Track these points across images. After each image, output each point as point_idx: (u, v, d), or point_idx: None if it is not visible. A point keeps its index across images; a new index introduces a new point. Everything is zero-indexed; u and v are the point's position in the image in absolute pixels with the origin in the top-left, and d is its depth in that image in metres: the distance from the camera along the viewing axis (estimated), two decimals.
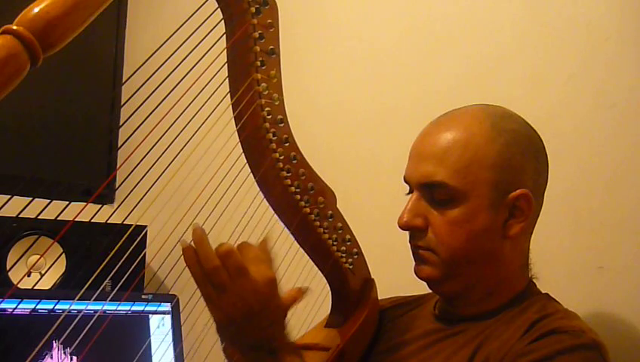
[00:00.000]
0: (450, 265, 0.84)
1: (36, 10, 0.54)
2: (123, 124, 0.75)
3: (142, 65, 0.71)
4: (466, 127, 0.85)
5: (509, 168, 0.84)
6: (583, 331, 0.78)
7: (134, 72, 0.72)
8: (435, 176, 0.83)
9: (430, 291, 0.94)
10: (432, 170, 0.84)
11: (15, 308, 1.16)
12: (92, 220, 0.74)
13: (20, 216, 0.66)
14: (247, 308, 0.74)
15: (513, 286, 0.88)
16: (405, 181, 0.90)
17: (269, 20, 0.82)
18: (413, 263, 0.89)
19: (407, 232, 0.89)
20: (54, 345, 1.12)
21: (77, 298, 0.83)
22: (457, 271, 0.85)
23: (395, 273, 1.05)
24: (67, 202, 0.69)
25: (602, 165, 1.12)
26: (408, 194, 0.89)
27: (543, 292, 0.90)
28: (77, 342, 0.82)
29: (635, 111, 1.09)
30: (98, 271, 0.78)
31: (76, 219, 0.69)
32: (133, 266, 0.84)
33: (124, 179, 0.78)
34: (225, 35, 0.81)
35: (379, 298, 1.04)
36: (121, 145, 0.79)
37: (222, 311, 0.75)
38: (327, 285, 0.99)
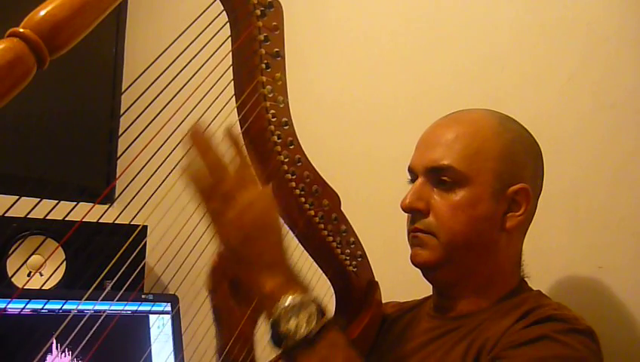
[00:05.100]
0: (448, 249, 0.86)
1: (42, 12, 0.54)
2: (124, 132, 0.75)
3: (153, 62, 0.70)
4: (474, 121, 0.89)
5: (512, 162, 0.87)
6: (577, 319, 0.80)
7: (144, 70, 0.71)
8: (443, 159, 0.86)
9: (427, 295, 0.95)
10: (440, 154, 0.87)
11: (21, 311, 1.15)
12: (92, 220, 0.74)
13: (19, 216, 0.66)
14: (249, 221, 0.71)
15: (506, 284, 0.89)
16: (410, 170, 0.91)
17: (274, 23, 0.82)
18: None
19: None
20: (53, 344, 1.11)
21: (82, 298, 0.83)
22: (454, 256, 0.86)
23: (396, 273, 1.05)
24: (66, 202, 0.69)
25: (602, 165, 1.12)
26: (412, 181, 0.90)
27: (538, 290, 0.91)
28: (77, 342, 0.82)
29: (634, 111, 1.10)
30: (102, 274, 0.77)
31: (76, 219, 0.69)
32: (134, 267, 0.83)
33: (129, 182, 0.78)
34: (230, 38, 0.80)
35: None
36: (124, 152, 0.78)
37: (228, 226, 0.71)
38: (331, 288, 0.99)
